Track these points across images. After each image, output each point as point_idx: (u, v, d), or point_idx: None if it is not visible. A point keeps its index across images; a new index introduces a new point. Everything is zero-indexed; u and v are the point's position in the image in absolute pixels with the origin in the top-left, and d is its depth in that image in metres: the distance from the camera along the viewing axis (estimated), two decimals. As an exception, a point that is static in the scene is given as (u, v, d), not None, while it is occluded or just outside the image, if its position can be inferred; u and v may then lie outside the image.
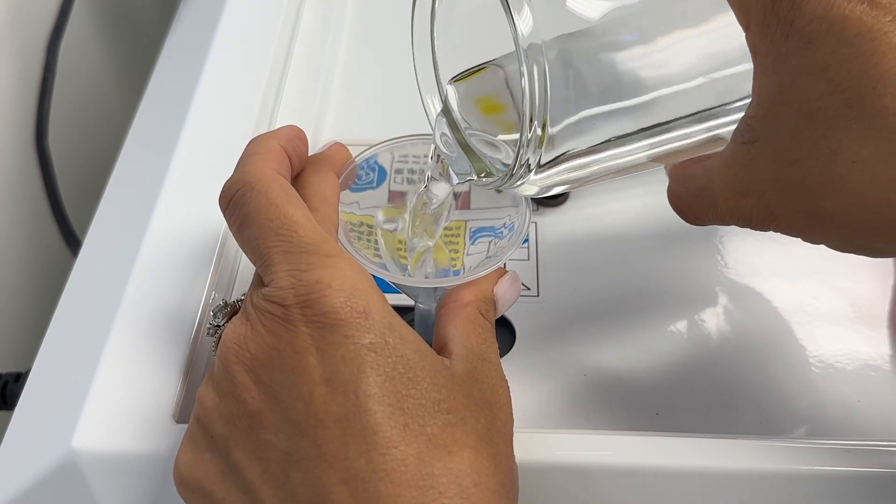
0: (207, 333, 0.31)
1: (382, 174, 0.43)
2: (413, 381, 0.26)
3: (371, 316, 0.27)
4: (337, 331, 0.26)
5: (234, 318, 0.29)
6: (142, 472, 0.31)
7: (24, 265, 0.62)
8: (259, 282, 0.29)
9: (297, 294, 0.27)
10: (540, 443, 0.31)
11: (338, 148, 0.35)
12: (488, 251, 0.39)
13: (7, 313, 0.59)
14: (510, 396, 0.30)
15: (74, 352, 0.36)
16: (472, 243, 0.40)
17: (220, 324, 0.30)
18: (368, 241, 0.40)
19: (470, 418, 0.27)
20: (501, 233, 0.40)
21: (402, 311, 0.38)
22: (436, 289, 0.34)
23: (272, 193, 0.29)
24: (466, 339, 0.30)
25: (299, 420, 0.26)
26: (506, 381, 0.30)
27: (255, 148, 0.32)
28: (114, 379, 0.33)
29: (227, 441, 0.27)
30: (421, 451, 0.25)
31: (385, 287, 0.39)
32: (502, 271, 0.33)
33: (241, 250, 0.39)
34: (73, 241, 0.61)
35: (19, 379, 0.43)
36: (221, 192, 0.30)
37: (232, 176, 0.31)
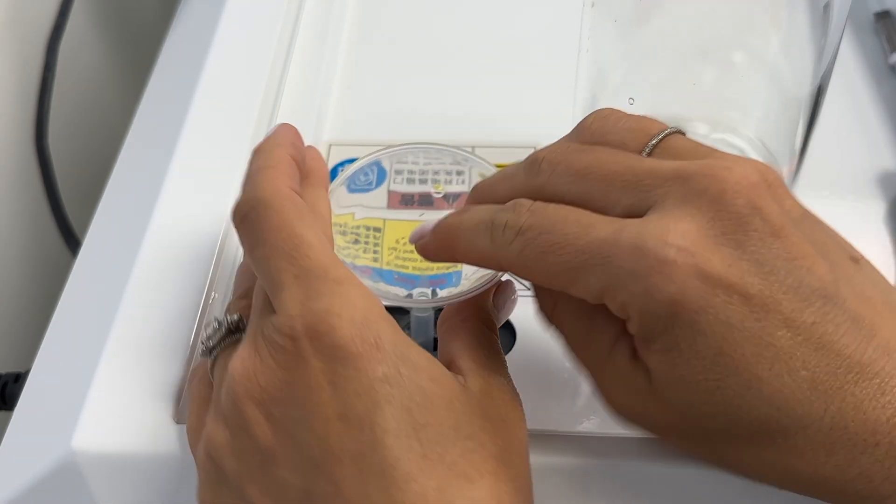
0: (201, 355, 0.30)
1: (382, 175, 0.43)
2: (429, 409, 0.26)
3: (382, 346, 0.26)
4: (349, 364, 0.26)
5: (240, 348, 0.28)
6: (141, 472, 0.31)
7: (23, 265, 0.62)
8: (267, 304, 0.28)
9: (305, 324, 0.26)
10: (540, 443, 0.31)
11: (318, 157, 0.35)
12: None
13: (7, 313, 0.59)
14: (523, 411, 0.29)
15: (74, 352, 0.36)
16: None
17: (213, 345, 0.30)
18: (366, 244, 0.40)
19: (488, 442, 0.27)
20: None
21: (398, 312, 0.38)
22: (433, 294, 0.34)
23: (286, 213, 0.29)
24: (473, 353, 0.30)
25: (314, 457, 0.25)
26: (517, 394, 0.30)
27: (265, 160, 0.31)
28: (113, 379, 0.33)
29: (240, 477, 0.26)
30: (441, 483, 0.25)
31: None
32: (498, 281, 0.33)
33: (240, 250, 0.39)
34: (72, 241, 0.61)
35: (19, 379, 0.43)
36: (234, 208, 0.30)
37: (244, 191, 0.30)
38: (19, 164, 0.60)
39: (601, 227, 0.26)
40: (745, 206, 0.25)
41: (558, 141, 0.30)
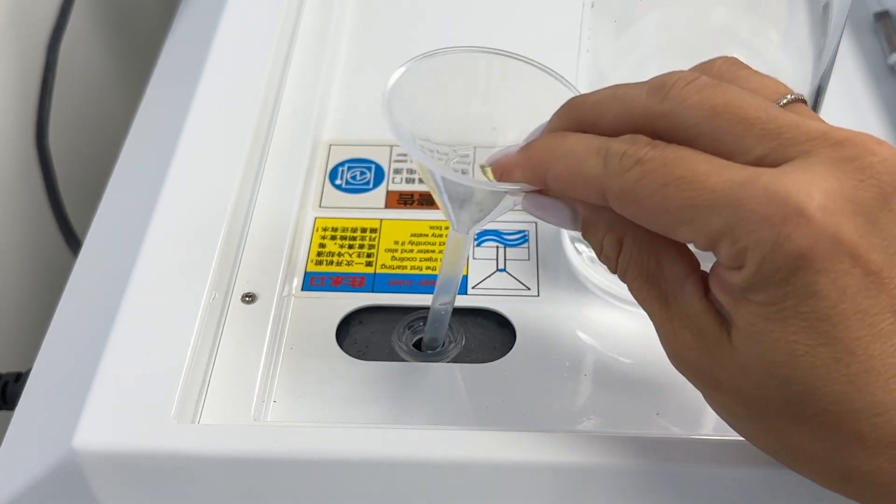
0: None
1: (380, 174, 0.43)
2: None
3: None
4: None
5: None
6: (142, 472, 0.31)
7: (24, 265, 0.62)
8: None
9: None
10: (540, 443, 0.31)
11: None
12: (496, 257, 0.39)
13: (7, 313, 0.59)
14: None
15: (75, 352, 0.36)
16: (477, 245, 0.40)
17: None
18: (361, 246, 0.40)
19: None
20: (509, 239, 0.40)
21: (405, 311, 0.38)
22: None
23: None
24: None
25: None
26: None
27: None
28: (114, 379, 0.33)
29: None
30: None
31: (384, 287, 0.39)
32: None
33: (241, 249, 0.39)
34: (73, 241, 0.61)
35: (19, 379, 0.43)
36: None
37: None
38: (20, 163, 0.60)
39: (734, 170, 0.25)
40: (891, 183, 0.25)
41: (680, 70, 0.27)
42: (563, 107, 0.29)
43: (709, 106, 0.26)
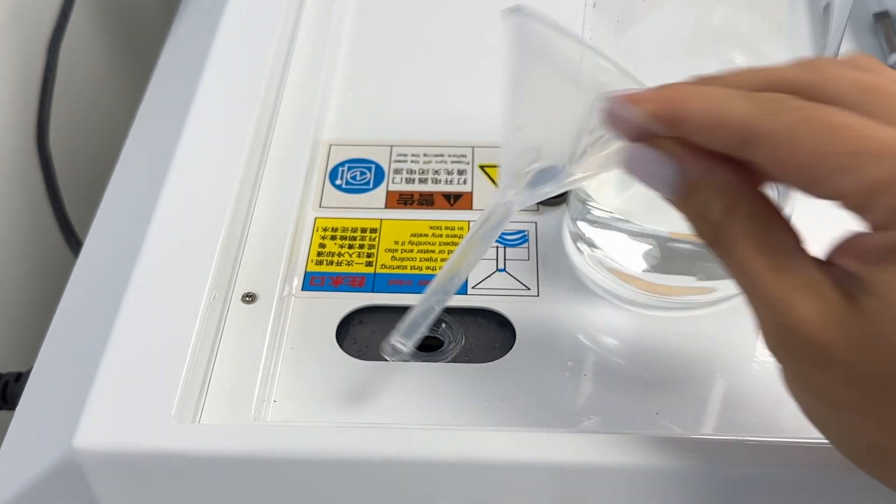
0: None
1: (380, 174, 0.43)
2: None
3: None
4: None
5: None
6: (143, 471, 0.31)
7: (24, 265, 0.62)
8: None
9: None
10: (540, 443, 0.31)
11: None
12: (496, 257, 0.39)
13: (7, 313, 0.59)
14: None
15: (75, 351, 0.36)
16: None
17: None
18: (361, 246, 0.40)
19: None
20: (509, 239, 0.40)
21: (405, 311, 0.38)
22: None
23: None
24: None
25: None
26: None
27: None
28: (115, 378, 0.33)
29: None
30: None
31: (384, 287, 0.39)
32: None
33: (241, 249, 0.39)
34: (73, 241, 0.61)
35: (20, 378, 0.43)
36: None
37: None
38: (20, 164, 0.60)
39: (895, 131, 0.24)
40: None
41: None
42: (691, 78, 0.28)
43: (861, 81, 0.26)
